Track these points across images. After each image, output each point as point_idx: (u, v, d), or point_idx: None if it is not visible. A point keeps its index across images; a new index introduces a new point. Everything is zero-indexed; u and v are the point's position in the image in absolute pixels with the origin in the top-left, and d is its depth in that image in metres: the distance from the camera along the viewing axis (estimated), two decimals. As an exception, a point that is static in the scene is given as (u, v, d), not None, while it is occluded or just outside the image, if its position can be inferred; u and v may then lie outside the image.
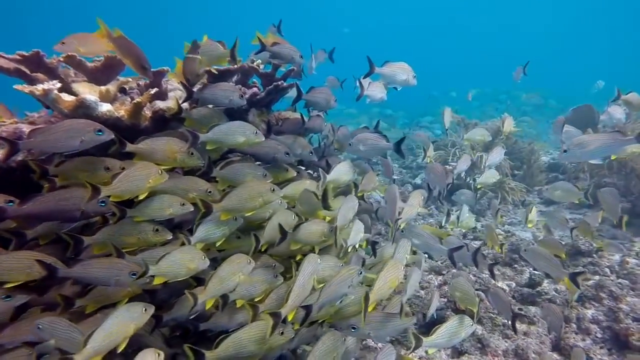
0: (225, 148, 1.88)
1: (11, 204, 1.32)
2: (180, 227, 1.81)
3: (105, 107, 1.58)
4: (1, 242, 1.38)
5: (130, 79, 1.91)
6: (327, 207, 1.76)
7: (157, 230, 1.57)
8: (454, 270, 2.71)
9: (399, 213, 1.87)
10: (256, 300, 1.61)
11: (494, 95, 11.60)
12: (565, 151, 1.90)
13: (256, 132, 1.81)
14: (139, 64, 1.57)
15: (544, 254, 2.02)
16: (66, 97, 1.49)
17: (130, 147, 1.58)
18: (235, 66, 2.01)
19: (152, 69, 1.69)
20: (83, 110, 1.51)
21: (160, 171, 1.46)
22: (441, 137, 7.60)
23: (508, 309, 2.02)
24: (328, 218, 1.90)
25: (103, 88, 1.73)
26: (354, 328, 1.59)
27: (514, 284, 2.88)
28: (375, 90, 2.37)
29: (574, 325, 2.42)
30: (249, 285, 1.57)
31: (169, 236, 1.60)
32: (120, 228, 1.52)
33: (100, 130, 1.42)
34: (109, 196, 1.41)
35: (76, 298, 1.42)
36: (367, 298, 1.52)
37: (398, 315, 1.64)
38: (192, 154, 1.71)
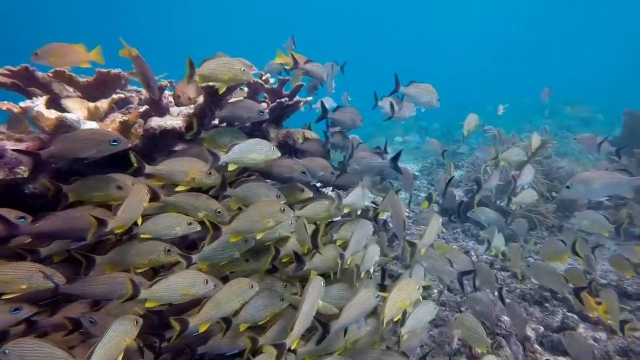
0: (243, 167, 1.87)
1: (22, 219, 1.35)
2: (195, 245, 1.81)
3: (88, 126, 1.57)
4: (16, 259, 1.41)
5: (124, 95, 1.89)
6: (315, 246, 1.65)
7: (168, 250, 1.57)
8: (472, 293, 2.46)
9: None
10: (261, 323, 1.57)
11: (533, 108, 11.09)
12: (567, 187, 1.87)
13: (273, 149, 1.80)
14: (146, 82, 1.61)
15: (548, 269, 1.93)
16: (48, 115, 1.48)
17: (149, 169, 1.60)
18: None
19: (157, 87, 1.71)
20: (64, 129, 1.51)
21: (146, 192, 1.47)
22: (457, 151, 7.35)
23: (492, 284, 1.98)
24: (340, 242, 1.85)
25: (92, 105, 1.70)
26: None
27: (542, 329, 2.43)
28: (404, 110, 2.33)
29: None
30: (253, 309, 1.53)
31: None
32: (131, 248, 1.53)
33: (115, 140, 1.46)
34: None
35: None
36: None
37: (395, 353, 1.56)
38: (210, 173, 1.71)
